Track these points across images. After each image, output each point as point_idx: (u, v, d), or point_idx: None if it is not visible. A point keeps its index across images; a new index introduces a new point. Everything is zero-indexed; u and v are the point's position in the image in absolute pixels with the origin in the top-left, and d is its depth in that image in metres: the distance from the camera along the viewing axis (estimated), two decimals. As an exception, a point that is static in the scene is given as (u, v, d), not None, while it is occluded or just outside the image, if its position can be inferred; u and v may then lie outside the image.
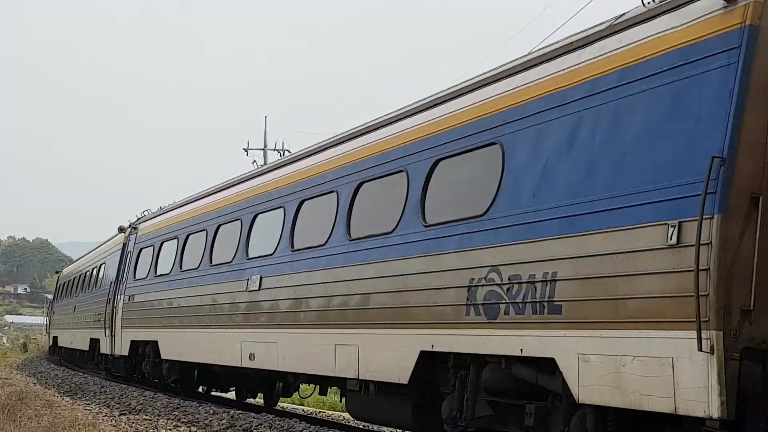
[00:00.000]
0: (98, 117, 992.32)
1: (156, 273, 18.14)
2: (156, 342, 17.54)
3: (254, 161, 39.86)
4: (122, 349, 20.18)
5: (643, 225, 6.44)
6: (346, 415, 14.43)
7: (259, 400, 17.62)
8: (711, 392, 5.82)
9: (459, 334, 8.30)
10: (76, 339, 28.06)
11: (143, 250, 19.72)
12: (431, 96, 10.00)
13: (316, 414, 16.70)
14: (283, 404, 17.96)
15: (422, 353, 8.78)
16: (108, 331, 21.51)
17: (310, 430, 11.38)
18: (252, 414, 13.10)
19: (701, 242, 5.90)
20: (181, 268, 16.46)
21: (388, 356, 9.39)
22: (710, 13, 6.36)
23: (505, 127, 8.23)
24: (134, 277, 19.83)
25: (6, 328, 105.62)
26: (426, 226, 9.08)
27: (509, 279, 7.65)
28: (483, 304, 7.95)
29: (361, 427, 13.63)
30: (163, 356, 17.12)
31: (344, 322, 10.44)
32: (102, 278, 24.38)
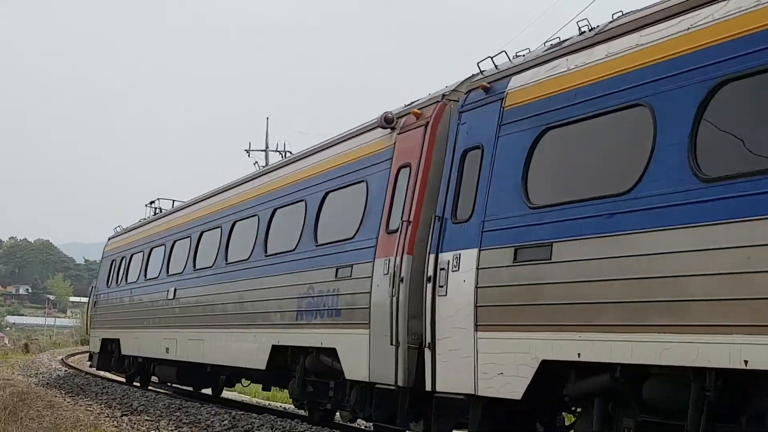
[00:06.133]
0: (109, 117, 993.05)
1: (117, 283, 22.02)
2: (118, 340, 20.93)
3: (256, 162, 39.92)
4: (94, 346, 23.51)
5: None
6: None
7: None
8: None
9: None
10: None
11: (111, 261, 23.24)
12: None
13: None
14: (285, 405, 17.98)
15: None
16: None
17: (312, 430, 11.38)
18: (254, 415, 13.10)
19: None
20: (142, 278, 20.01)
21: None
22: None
23: None
24: (106, 284, 23.32)
25: (8, 329, 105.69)
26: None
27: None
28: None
29: (362, 427, 13.63)
30: (124, 352, 20.42)
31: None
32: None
